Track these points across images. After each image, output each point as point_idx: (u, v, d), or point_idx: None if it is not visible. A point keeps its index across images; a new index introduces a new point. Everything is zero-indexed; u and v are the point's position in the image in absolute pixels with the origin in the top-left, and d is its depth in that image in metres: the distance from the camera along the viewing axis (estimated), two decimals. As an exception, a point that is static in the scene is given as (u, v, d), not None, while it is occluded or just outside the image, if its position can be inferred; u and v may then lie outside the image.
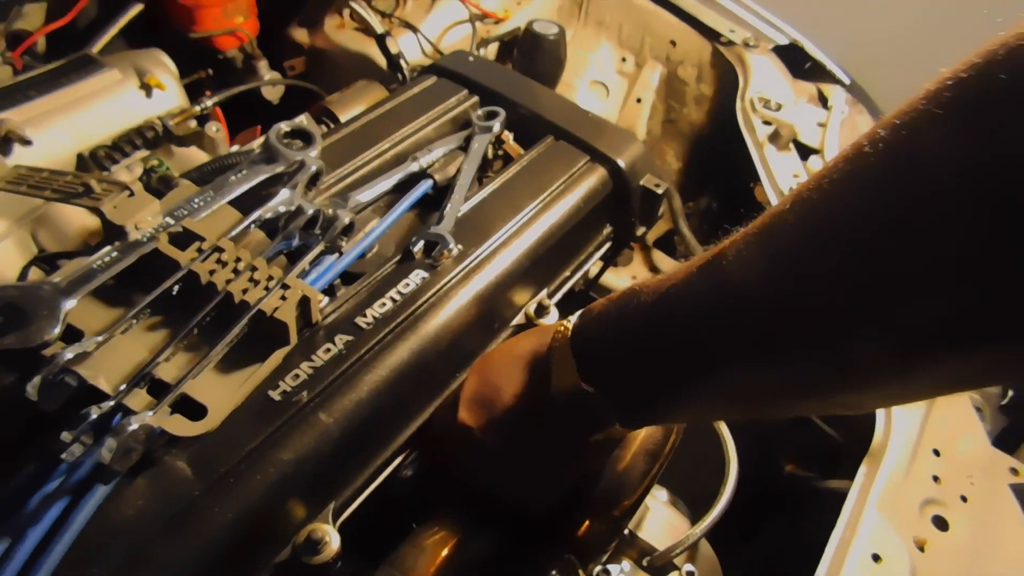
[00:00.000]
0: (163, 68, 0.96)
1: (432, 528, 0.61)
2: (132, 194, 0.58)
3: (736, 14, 1.19)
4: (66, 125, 0.86)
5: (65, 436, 0.46)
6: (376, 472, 0.59)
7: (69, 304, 0.52)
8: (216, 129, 0.96)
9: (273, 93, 1.14)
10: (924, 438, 0.72)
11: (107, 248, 0.56)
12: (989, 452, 0.74)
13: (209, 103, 0.95)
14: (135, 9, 1.08)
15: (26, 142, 0.81)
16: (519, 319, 0.72)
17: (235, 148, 0.92)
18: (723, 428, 0.79)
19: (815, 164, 1.05)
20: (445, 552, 0.59)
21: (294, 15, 1.21)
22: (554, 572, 0.61)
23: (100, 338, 0.50)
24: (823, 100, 1.14)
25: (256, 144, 0.88)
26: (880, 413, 0.73)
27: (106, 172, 0.87)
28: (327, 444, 0.54)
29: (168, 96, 0.95)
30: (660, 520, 0.76)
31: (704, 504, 0.74)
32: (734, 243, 0.44)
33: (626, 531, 0.76)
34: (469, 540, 0.61)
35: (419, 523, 0.61)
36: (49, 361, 0.48)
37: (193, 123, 0.94)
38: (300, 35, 1.19)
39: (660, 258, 1.23)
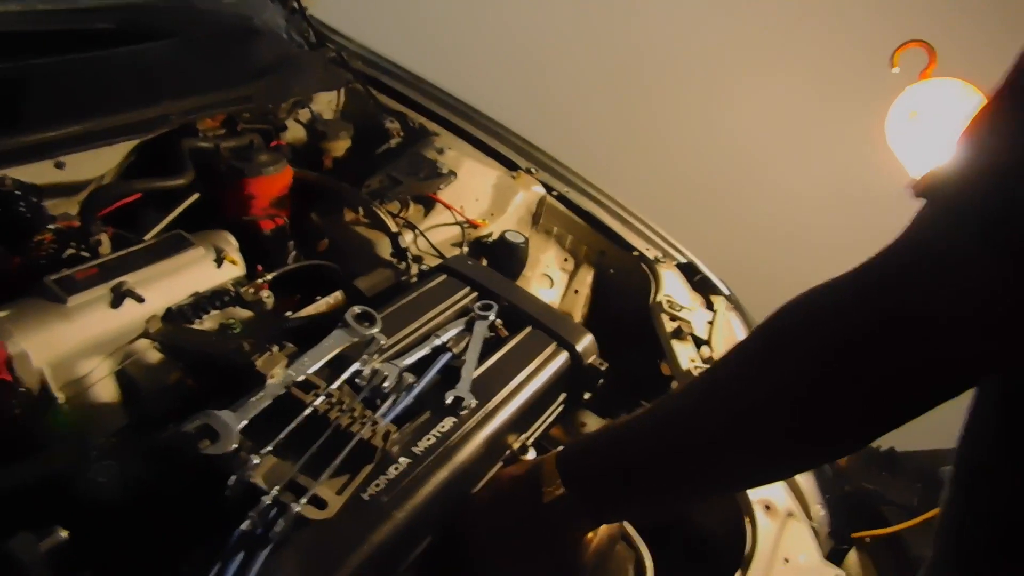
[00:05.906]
0: (232, 247, 1.26)
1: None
2: (271, 353, 0.87)
3: (650, 237, 1.65)
4: (164, 287, 1.13)
5: (252, 516, 0.72)
6: (420, 549, 0.86)
7: (239, 427, 0.79)
8: (267, 295, 1.25)
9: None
10: (778, 551, 1.06)
11: (257, 390, 0.83)
12: (821, 562, 1.08)
13: (269, 277, 1.25)
14: (193, 197, 1.39)
15: (140, 299, 1.08)
16: (507, 454, 1.02)
17: (288, 314, 1.21)
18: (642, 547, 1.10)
19: (705, 351, 1.44)
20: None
21: (315, 205, 1.55)
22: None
23: (267, 450, 0.77)
24: (710, 304, 1.56)
25: (311, 309, 1.18)
26: (749, 534, 1.07)
27: (190, 324, 1.13)
28: (397, 530, 0.81)
29: (234, 268, 1.24)
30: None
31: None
32: (658, 404, 0.77)
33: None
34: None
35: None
36: (241, 466, 0.74)
37: (252, 290, 1.23)
38: (320, 221, 1.53)
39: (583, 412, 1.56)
